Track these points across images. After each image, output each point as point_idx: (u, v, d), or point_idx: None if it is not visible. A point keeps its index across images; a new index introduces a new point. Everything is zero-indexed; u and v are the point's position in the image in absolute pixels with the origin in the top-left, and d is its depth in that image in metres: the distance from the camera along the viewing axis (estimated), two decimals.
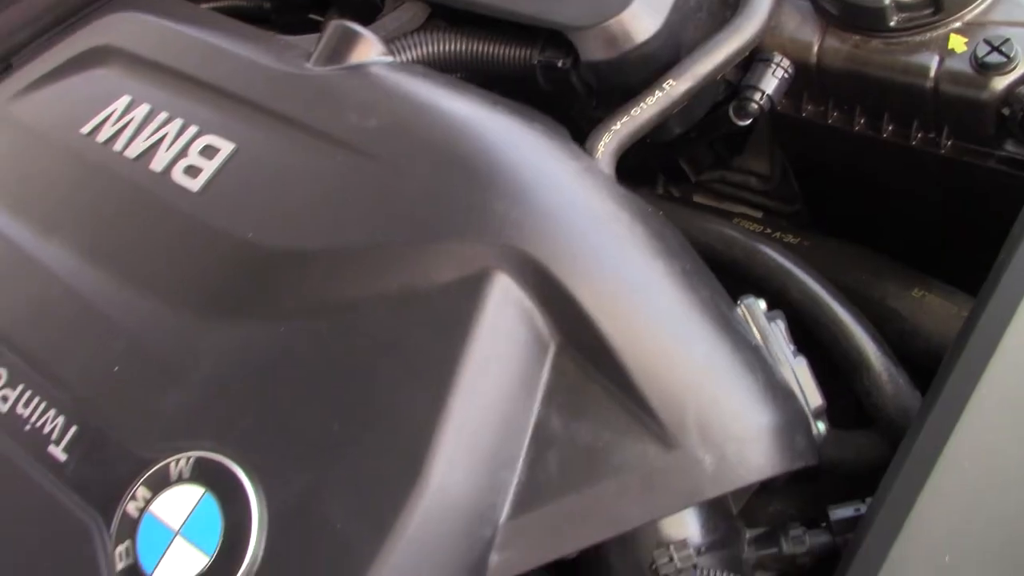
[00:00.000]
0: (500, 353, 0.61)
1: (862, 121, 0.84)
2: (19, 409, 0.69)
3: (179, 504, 0.61)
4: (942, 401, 0.56)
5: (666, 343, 0.60)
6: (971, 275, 0.68)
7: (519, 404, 0.61)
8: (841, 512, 0.62)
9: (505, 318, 0.61)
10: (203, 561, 0.58)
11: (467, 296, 0.61)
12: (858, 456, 0.73)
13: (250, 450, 0.60)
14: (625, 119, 0.74)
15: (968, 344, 0.57)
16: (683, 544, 0.58)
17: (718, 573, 0.57)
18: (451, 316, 0.61)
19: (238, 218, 0.68)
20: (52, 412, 0.68)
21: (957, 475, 0.53)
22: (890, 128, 0.82)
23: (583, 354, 0.61)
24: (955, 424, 0.54)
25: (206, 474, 0.61)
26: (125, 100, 0.80)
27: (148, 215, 0.73)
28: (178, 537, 0.60)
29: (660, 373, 0.59)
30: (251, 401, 0.63)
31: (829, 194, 0.99)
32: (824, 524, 0.62)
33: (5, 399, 0.70)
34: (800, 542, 0.62)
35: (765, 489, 0.67)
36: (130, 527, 0.61)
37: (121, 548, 0.61)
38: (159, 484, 0.62)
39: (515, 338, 0.61)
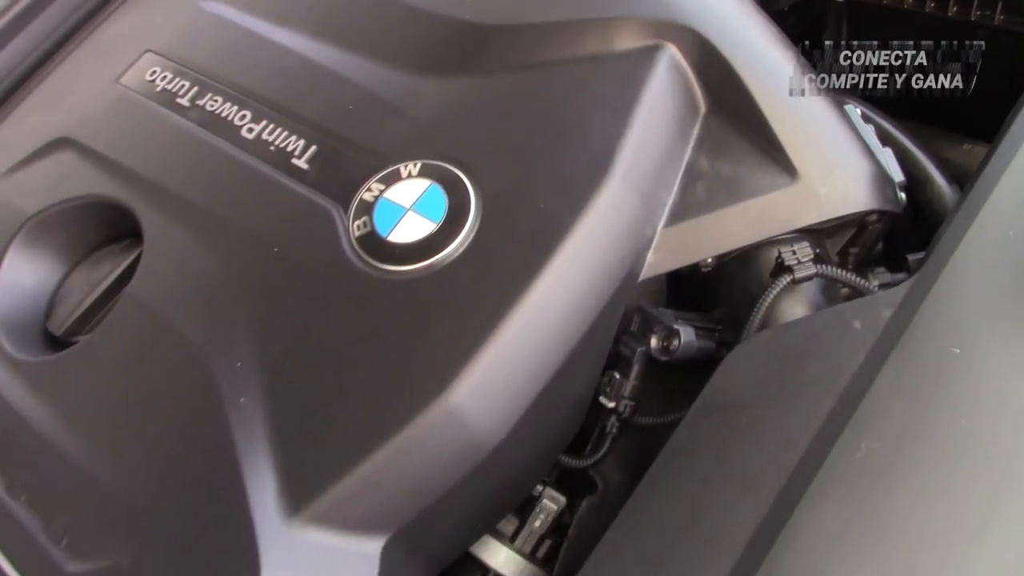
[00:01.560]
0: (665, 107, 0.79)
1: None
2: (264, 136, 0.86)
3: (409, 191, 0.78)
4: (980, 181, 0.74)
5: (797, 103, 0.78)
6: None
7: (676, 146, 0.79)
8: (914, 256, 0.79)
9: (670, 81, 0.79)
10: (431, 227, 0.75)
11: (643, 61, 0.80)
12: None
13: (467, 158, 0.78)
14: None
15: (997, 150, 0.76)
16: (803, 245, 0.76)
17: (832, 267, 0.74)
18: (629, 75, 0.79)
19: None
20: (293, 137, 0.85)
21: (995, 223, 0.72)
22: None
23: (728, 112, 0.79)
24: (991, 192, 0.73)
25: (431, 172, 0.78)
26: None
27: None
28: (410, 212, 0.77)
29: (790, 123, 0.77)
30: (467, 128, 0.81)
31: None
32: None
33: (251, 130, 0.87)
34: (883, 276, 0.79)
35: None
36: (366, 208, 0.78)
37: (359, 222, 0.77)
38: (391, 179, 0.79)
39: (676, 97, 0.80)
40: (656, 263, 0.77)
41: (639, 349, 0.76)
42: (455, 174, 0.77)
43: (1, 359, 0.81)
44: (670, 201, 0.78)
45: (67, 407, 0.75)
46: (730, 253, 0.78)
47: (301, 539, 0.65)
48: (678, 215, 0.77)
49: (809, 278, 0.75)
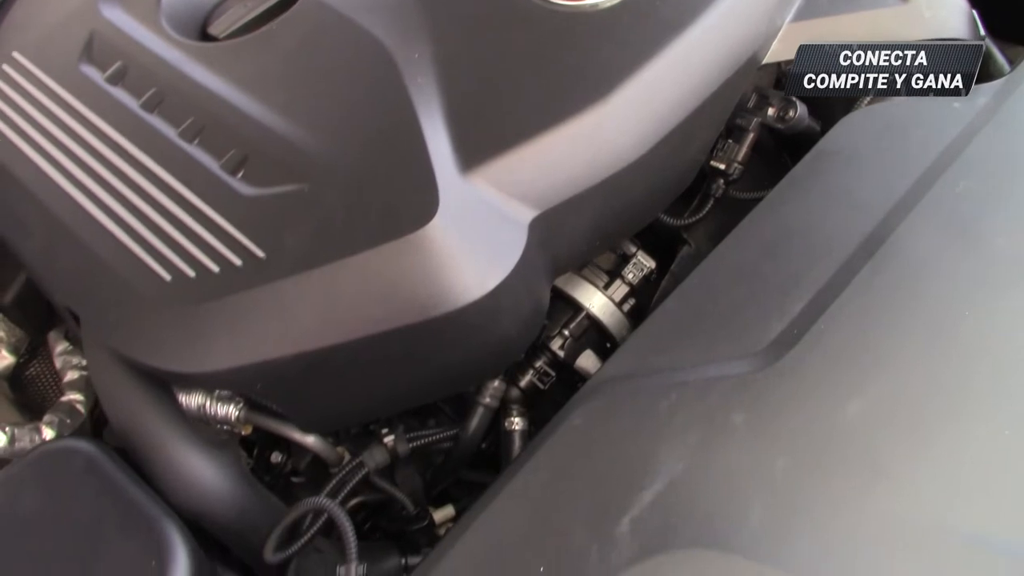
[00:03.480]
0: None
1: None
2: None
3: None
4: None
5: None
6: None
7: None
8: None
9: None
10: None
11: None
12: None
13: None
14: None
15: None
16: None
17: None
18: None
19: None
20: None
21: None
22: None
23: None
24: None
25: None
26: None
27: None
28: None
29: None
30: None
31: None
32: None
33: None
34: None
35: None
36: None
37: None
38: None
39: None
40: (778, 51, 0.88)
41: (755, 119, 0.87)
42: None
43: (170, 41, 0.87)
44: (799, 1, 0.89)
45: (242, 77, 0.82)
46: None
47: (471, 191, 0.73)
48: (803, 15, 0.88)
49: None
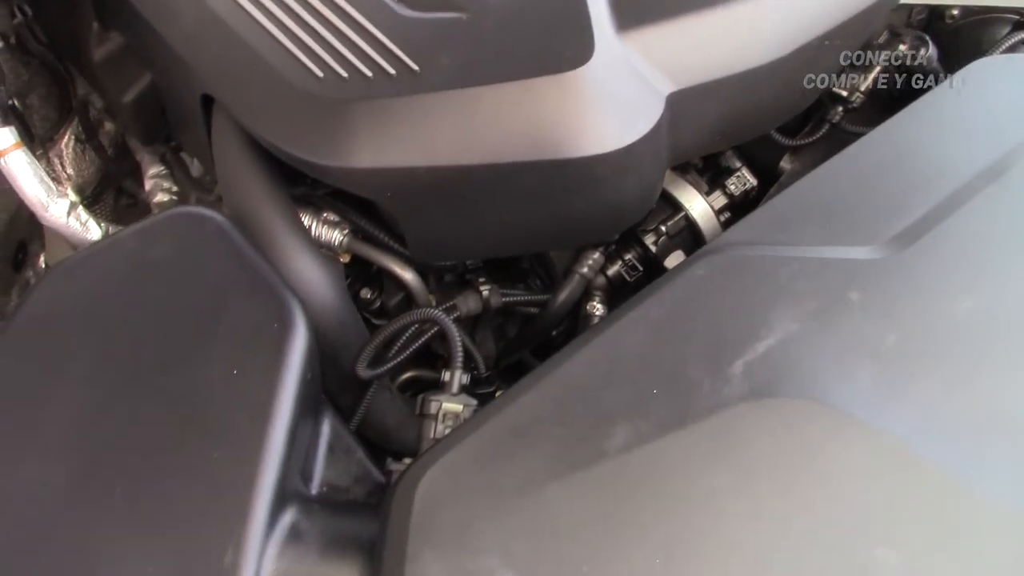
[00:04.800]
0: None
1: None
2: None
3: None
4: None
5: None
6: None
7: None
8: None
9: None
10: None
11: None
12: None
13: None
14: None
15: None
16: None
17: None
18: None
19: None
20: None
21: None
22: None
23: None
24: None
25: None
26: None
27: None
28: None
29: None
30: None
31: None
32: None
33: None
34: None
35: None
36: None
37: None
38: None
39: None
40: None
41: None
42: None
43: None
44: None
45: None
46: (973, 13, 0.92)
47: (621, 49, 0.75)
48: None
49: None
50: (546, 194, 0.75)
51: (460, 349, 0.69)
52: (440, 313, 0.73)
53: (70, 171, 1.17)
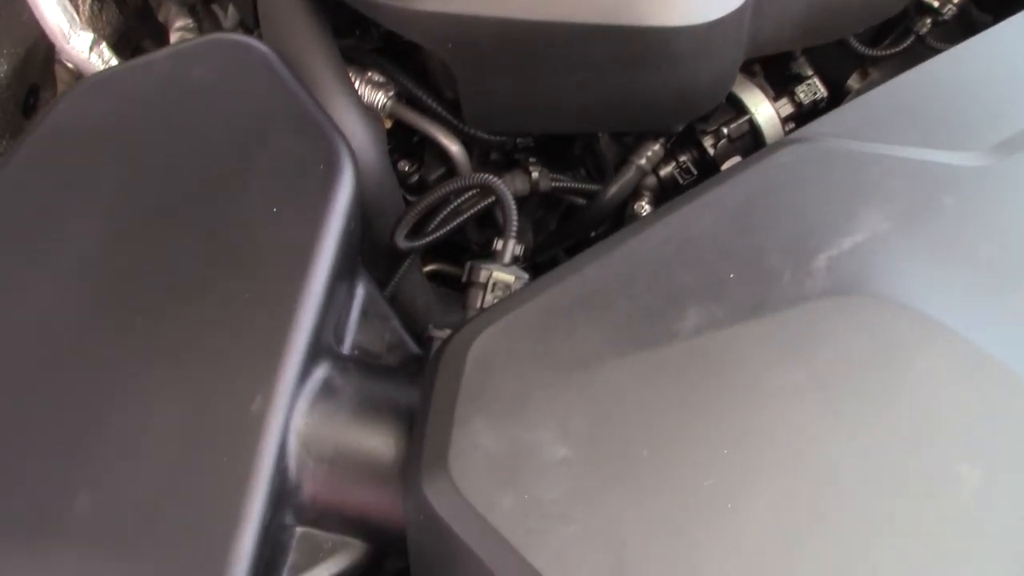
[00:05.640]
0: None
1: None
2: None
3: None
4: None
5: None
6: None
7: None
8: None
9: None
10: None
11: None
12: None
13: None
14: None
15: None
16: None
17: None
18: None
19: None
20: None
21: None
22: None
23: None
24: None
25: None
26: None
27: None
28: None
29: None
30: None
31: None
32: None
33: None
34: None
35: None
36: None
37: None
38: None
39: None
40: None
41: None
42: None
43: None
44: None
45: None
46: None
47: None
48: None
49: None
50: (618, 66, 0.69)
51: (515, 217, 0.64)
52: (496, 179, 0.67)
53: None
